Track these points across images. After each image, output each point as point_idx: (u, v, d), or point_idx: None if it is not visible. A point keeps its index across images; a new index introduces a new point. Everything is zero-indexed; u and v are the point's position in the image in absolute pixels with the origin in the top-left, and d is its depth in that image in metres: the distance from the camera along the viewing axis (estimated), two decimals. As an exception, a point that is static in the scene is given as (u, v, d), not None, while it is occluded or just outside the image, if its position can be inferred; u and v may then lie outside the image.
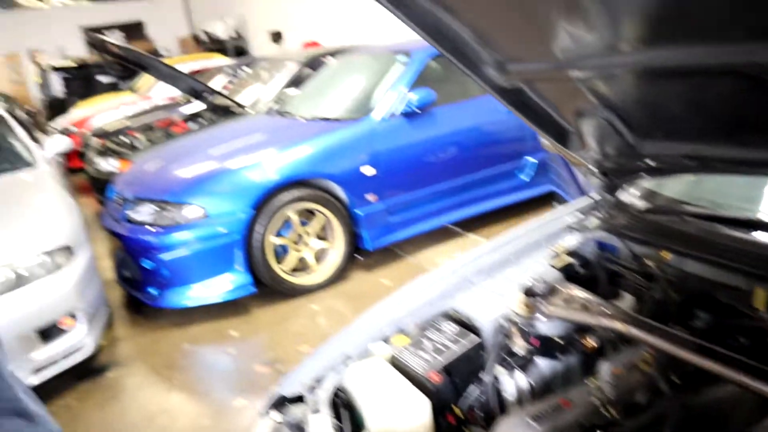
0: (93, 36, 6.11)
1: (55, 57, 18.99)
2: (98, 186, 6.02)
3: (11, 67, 19.49)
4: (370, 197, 4.18)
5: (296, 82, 6.46)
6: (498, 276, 1.65)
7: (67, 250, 3.32)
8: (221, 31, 16.38)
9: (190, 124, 6.30)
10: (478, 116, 4.52)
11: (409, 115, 4.30)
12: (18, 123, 5.01)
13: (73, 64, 16.25)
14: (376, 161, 4.18)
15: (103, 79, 15.21)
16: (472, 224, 4.69)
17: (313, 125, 4.42)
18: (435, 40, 1.40)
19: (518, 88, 1.52)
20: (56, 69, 16.36)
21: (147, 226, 3.75)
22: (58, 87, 16.58)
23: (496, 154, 4.67)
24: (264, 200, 3.79)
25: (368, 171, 4.15)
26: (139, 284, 3.96)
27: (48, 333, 3.14)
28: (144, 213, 3.80)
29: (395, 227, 4.35)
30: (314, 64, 6.80)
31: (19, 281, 3.06)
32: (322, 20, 12.23)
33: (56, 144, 4.57)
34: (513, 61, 1.43)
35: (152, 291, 3.84)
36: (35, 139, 5.19)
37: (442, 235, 4.61)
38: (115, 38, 19.76)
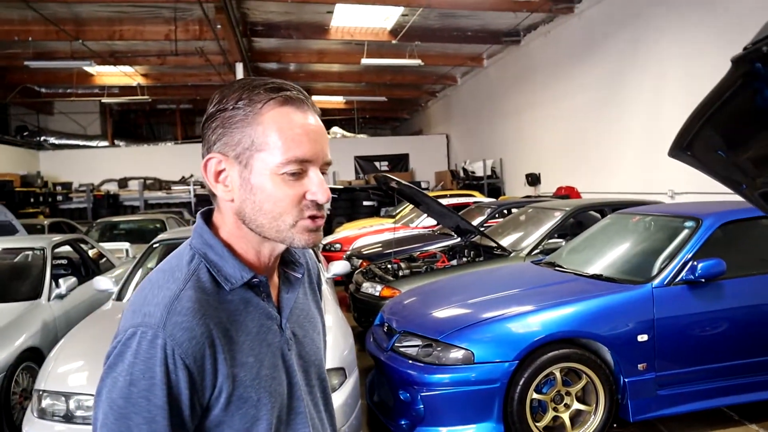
0: (379, 174, 6.82)
1: (328, 180, 21.52)
2: (356, 304, 6.47)
3: (293, 185, 22.36)
4: (640, 366, 3.90)
5: (560, 230, 6.47)
6: None
7: (341, 371, 3.56)
8: (479, 169, 17.24)
9: (452, 260, 6.56)
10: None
11: (692, 284, 4.01)
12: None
13: (341, 187, 18.24)
14: (650, 329, 3.91)
15: (366, 203, 16.68)
16: (755, 412, 4.10)
17: (585, 282, 4.32)
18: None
19: None
20: (328, 189, 18.47)
21: (410, 360, 3.88)
22: (326, 206, 18.64)
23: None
24: (529, 353, 3.72)
25: (640, 337, 3.89)
26: (390, 412, 4.06)
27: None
28: (410, 347, 3.95)
29: (663, 401, 3.95)
30: (580, 215, 6.78)
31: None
32: (578, 167, 12.27)
33: (339, 267, 5.06)
34: None
35: (403, 423, 3.90)
36: (318, 257, 5.82)
37: (716, 418, 4.11)
38: (381, 167, 21.91)
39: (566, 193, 11.89)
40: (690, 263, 4.03)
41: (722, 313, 4.06)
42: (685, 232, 4.31)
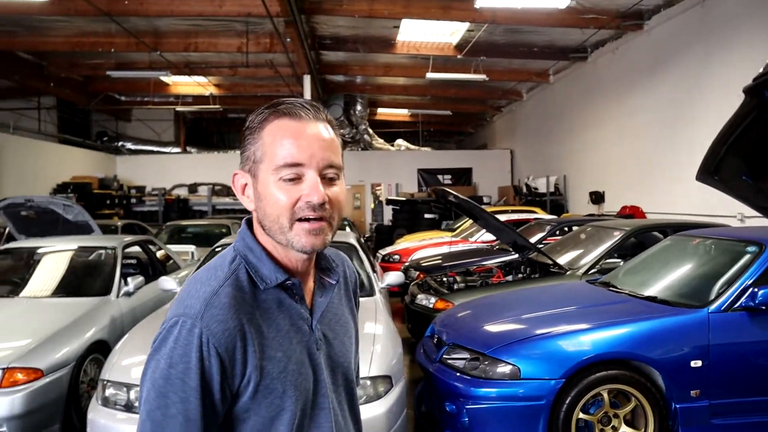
0: (438, 188, 6.88)
1: (390, 191, 21.74)
2: (410, 315, 6.54)
3: (355, 196, 22.72)
4: (693, 392, 3.80)
5: (619, 251, 6.36)
6: None
7: (388, 379, 3.63)
8: (542, 185, 17.03)
9: (507, 276, 6.54)
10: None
11: (751, 310, 3.89)
12: (363, 251, 5.78)
13: (403, 199, 18.32)
14: (706, 355, 3.81)
15: (427, 215, 16.71)
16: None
17: (639, 303, 4.25)
18: None
19: None
20: (389, 201, 18.65)
21: (458, 373, 3.92)
22: (388, 217, 18.83)
23: None
24: (576, 372, 3.70)
25: (694, 363, 3.80)
26: (436, 423, 4.10)
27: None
28: (458, 359, 3.99)
29: (717, 430, 3.85)
30: (641, 235, 6.64)
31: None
32: (644, 186, 11.97)
33: (393, 278, 5.14)
34: None
35: (448, 434, 3.93)
36: (373, 267, 5.92)
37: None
38: (444, 180, 21.93)
39: (630, 212, 11.61)
40: (750, 289, 3.91)
41: (784, 343, 3.91)
42: (747, 257, 4.19)
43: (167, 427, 1.04)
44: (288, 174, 1.10)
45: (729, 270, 4.20)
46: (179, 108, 19.86)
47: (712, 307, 3.93)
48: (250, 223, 1.23)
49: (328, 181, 1.14)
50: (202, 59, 15.29)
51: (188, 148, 23.87)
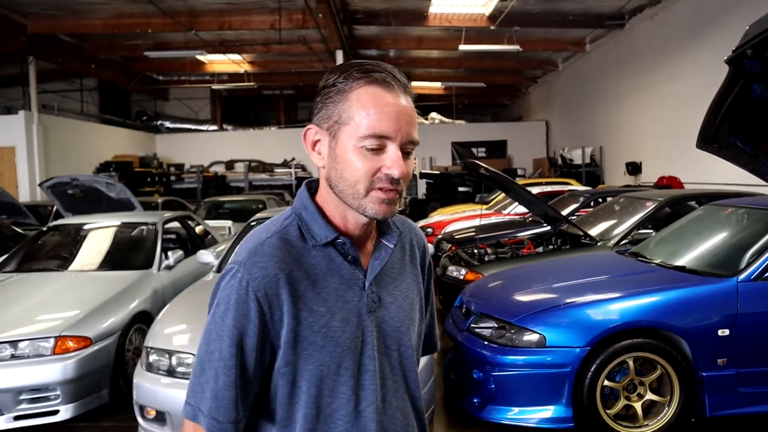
0: (468, 161, 6.91)
1: (423, 164, 21.74)
2: (442, 287, 6.63)
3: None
4: (720, 361, 3.83)
5: (652, 221, 6.33)
6: None
7: (417, 346, 3.74)
8: (577, 157, 16.81)
9: (538, 248, 6.58)
10: None
11: (783, 279, 3.88)
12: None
13: (437, 172, 18.29)
14: (734, 324, 3.83)
15: (461, 188, 16.68)
16: None
17: (667, 273, 4.27)
18: None
19: None
20: (423, 175, 18.66)
21: (485, 341, 4.02)
22: (422, 190, 18.86)
23: None
24: (602, 341, 3.76)
25: (721, 332, 3.82)
26: (464, 390, 4.21)
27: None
28: (485, 328, 4.09)
29: (744, 399, 3.87)
30: (676, 205, 6.59)
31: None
32: (682, 156, 11.75)
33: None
34: None
35: (475, 401, 4.04)
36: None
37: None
38: (478, 153, 21.81)
39: (668, 183, 11.42)
40: (781, 258, 3.90)
41: (814, 312, 3.90)
42: (779, 224, 4.16)
43: (207, 363, 1.14)
44: (372, 144, 1.11)
45: (761, 239, 4.17)
46: (215, 86, 20.14)
47: (742, 276, 3.92)
48: (309, 186, 1.27)
49: (405, 155, 1.15)
50: (236, 37, 15.44)
51: (224, 126, 24.22)
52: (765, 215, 4.47)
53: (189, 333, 3.87)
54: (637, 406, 3.85)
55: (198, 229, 7.58)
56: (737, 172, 9.51)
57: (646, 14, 13.17)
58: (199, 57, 16.56)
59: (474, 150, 22.34)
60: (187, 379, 3.50)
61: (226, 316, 1.13)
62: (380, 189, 1.12)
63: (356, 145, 1.11)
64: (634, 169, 13.83)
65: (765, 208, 4.58)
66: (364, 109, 1.11)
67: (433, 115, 24.16)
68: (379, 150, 1.11)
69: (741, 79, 1.02)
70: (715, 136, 1.22)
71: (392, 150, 1.12)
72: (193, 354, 3.57)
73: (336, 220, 1.20)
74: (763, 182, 8.50)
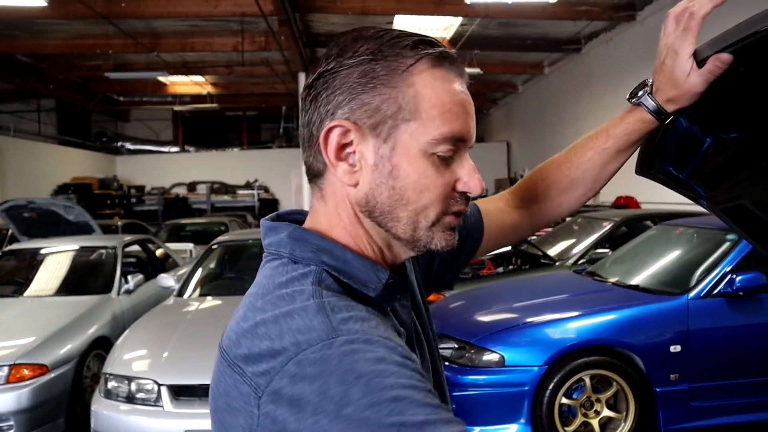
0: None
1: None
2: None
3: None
4: (673, 376, 3.96)
5: (609, 241, 6.50)
6: None
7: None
8: (537, 177, 17.10)
9: (498, 268, 6.69)
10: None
11: (729, 297, 4.04)
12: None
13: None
14: (685, 340, 3.96)
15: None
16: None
17: (622, 292, 4.40)
18: None
19: None
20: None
21: (446, 362, 4.07)
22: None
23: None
24: (558, 359, 3.85)
25: (673, 348, 3.95)
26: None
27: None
28: (446, 348, 4.14)
29: (697, 413, 4.00)
30: (631, 225, 6.78)
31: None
32: (638, 176, 12.07)
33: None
34: None
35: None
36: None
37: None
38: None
39: (625, 203, 11.73)
40: (729, 276, 4.06)
41: (760, 328, 4.06)
42: (726, 244, 4.33)
43: (408, 410, 0.62)
44: (447, 150, 0.77)
45: (709, 258, 4.34)
46: (177, 107, 19.99)
47: (692, 293, 4.07)
48: (287, 221, 0.86)
49: None
50: (198, 59, 15.40)
51: (186, 147, 24.02)
52: (713, 235, 4.64)
53: (149, 359, 3.83)
54: (595, 422, 3.94)
55: (159, 252, 7.50)
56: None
57: (601, 39, 13.59)
58: (161, 78, 16.44)
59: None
60: (148, 405, 3.47)
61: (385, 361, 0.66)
62: (453, 213, 0.80)
63: (427, 151, 0.76)
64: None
65: (713, 228, 4.75)
66: (439, 99, 0.76)
67: (397, 136, 24.34)
68: (449, 159, 0.78)
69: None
70: (651, 163, 1.30)
71: (466, 158, 0.81)
72: (153, 380, 3.53)
73: (372, 255, 0.82)
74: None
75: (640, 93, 1.05)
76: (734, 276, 4.02)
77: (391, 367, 0.62)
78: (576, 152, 1.13)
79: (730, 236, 4.37)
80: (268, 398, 0.64)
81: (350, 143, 0.77)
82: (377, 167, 0.76)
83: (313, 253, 0.78)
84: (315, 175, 0.81)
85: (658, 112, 1.03)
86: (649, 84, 1.04)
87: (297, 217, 0.89)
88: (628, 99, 1.07)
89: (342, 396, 0.60)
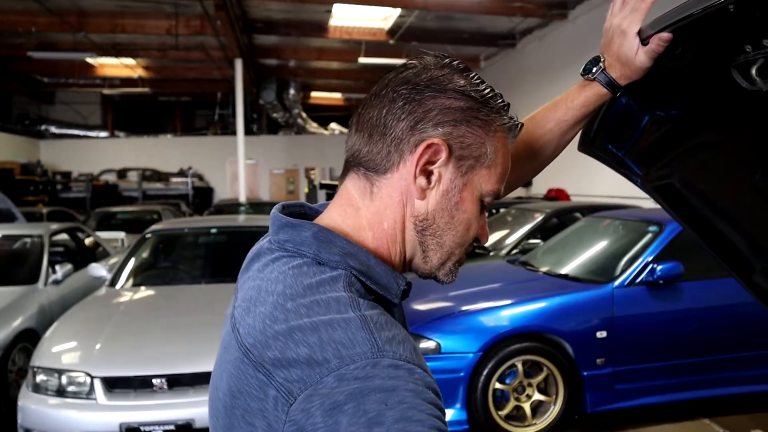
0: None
1: (323, 175, 21.86)
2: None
3: (289, 180, 22.68)
4: (599, 360, 4.15)
5: (540, 232, 6.72)
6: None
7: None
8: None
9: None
10: (732, 296, 4.29)
11: (651, 285, 4.26)
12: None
13: (336, 183, 18.38)
14: (611, 326, 4.17)
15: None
16: (710, 408, 4.38)
17: (552, 281, 4.58)
18: (701, 236, 1.48)
19: None
20: (323, 186, 18.71)
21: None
22: (322, 201, 18.92)
23: (747, 338, 4.35)
24: (492, 346, 3.98)
25: (599, 334, 4.15)
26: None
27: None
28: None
29: (620, 395, 4.22)
30: (562, 216, 7.03)
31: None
32: (569, 169, 12.51)
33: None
34: None
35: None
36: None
37: (672, 412, 4.36)
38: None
39: (556, 195, 12.13)
40: (650, 266, 4.28)
41: (678, 314, 4.31)
42: (648, 236, 4.56)
43: None
44: (489, 201, 0.85)
45: (633, 248, 4.56)
46: (106, 91, 19.30)
47: (617, 282, 4.28)
48: (296, 215, 0.87)
49: None
50: (129, 41, 14.90)
51: (117, 132, 23.20)
52: (637, 226, 4.89)
53: (81, 350, 3.73)
54: (526, 406, 4.09)
55: (88, 241, 7.26)
56: (617, 185, 10.26)
57: (535, 35, 13.95)
58: (89, 60, 15.84)
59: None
60: (79, 398, 3.38)
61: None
62: (465, 254, 0.88)
63: (483, 195, 0.83)
64: (526, 182, 14.53)
65: (637, 220, 5.00)
66: (504, 161, 0.85)
67: (333, 125, 24.29)
68: (484, 208, 0.86)
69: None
70: (593, 141, 1.37)
71: (485, 215, 0.88)
72: (85, 372, 3.45)
73: (388, 261, 0.84)
74: (637, 195, 9.22)
75: (594, 69, 1.12)
76: (655, 265, 4.25)
77: (425, 404, 0.63)
78: (537, 123, 1.21)
79: (652, 227, 4.61)
80: (300, 406, 0.64)
81: (435, 162, 0.80)
82: (447, 194, 0.81)
83: (339, 256, 0.77)
84: (373, 168, 0.82)
85: (612, 86, 1.11)
86: (602, 60, 1.11)
87: (299, 210, 0.91)
88: (582, 74, 1.14)
89: (377, 414, 0.61)
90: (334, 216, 0.84)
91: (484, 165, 0.82)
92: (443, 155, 0.79)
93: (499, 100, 0.84)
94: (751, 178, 1.24)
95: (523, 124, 0.89)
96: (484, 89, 0.83)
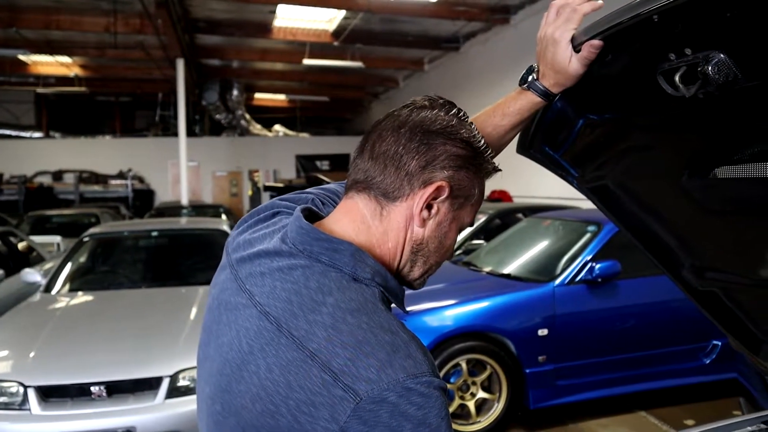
0: (311, 175, 7.04)
1: (267, 177, 21.63)
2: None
3: (232, 182, 22.36)
4: (541, 358, 4.26)
5: (484, 232, 6.84)
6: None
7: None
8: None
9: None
10: (665, 293, 4.46)
11: (590, 283, 4.40)
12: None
13: (281, 185, 18.24)
14: (552, 324, 4.28)
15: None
16: (646, 401, 4.55)
17: (495, 281, 4.67)
18: (634, 235, 1.53)
19: (712, 292, 1.53)
20: (267, 188, 18.54)
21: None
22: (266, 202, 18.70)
23: (679, 333, 4.54)
24: (438, 345, 4.03)
25: (541, 332, 4.25)
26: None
27: None
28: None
29: (562, 391, 4.33)
30: (504, 217, 7.17)
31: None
32: (512, 172, 12.75)
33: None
34: (712, 269, 1.48)
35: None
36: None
37: (610, 406, 4.50)
38: (322, 166, 22.04)
39: (499, 196, 12.34)
40: (589, 264, 4.41)
41: (615, 311, 4.46)
42: (587, 235, 4.70)
43: None
44: (464, 228, 1.04)
45: (572, 248, 4.70)
46: (40, 89, 18.56)
47: (557, 281, 4.39)
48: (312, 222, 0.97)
49: None
50: (65, 38, 14.36)
51: (51, 133, 22.36)
52: (577, 227, 5.03)
53: (13, 359, 3.58)
54: (471, 404, 4.16)
55: (21, 245, 6.98)
56: (558, 187, 10.52)
57: (478, 39, 14.17)
58: (22, 57, 15.21)
59: (318, 163, 22.56)
60: (11, 409, 3.25)
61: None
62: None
63: (461, 227, 1.00)
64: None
65: (576, 220, 5.15)
66: (481, 199, 1.01)
67: (277, 127, 24.08)
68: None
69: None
70: (530, 143, 1.41)
71: None
72: (18, 382, 3.32)
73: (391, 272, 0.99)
74: (577, 196, 9.53)
75: (529, 78, 1.18)
76: (594, 264, 4.39)
77: (446, 425, 0.80)
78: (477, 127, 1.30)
79: (590, 227, 4.76)
80: (368, 405, 0.76)
81: (438, 198, 0.93)
82: (440, 224, 0.96)
83: (370, 274, 0.90)
84: (384, 194, 0.94)
85: (546, 95, 1.17)
86: (536, 70, 1.18)
87: (306, 208, 1.01)
88: (519, 84, 1.21)
89: (436, 427, 0.77)
90: (347, 229, 0.95)
91: (470, 202, 0.98)
92: (445, 194, 0.93)
93: (489, 151, 0.99)
94: (678, 179, 1.31)
95: (501, 170, 1.03)
96: (480, 140, 0.97)
